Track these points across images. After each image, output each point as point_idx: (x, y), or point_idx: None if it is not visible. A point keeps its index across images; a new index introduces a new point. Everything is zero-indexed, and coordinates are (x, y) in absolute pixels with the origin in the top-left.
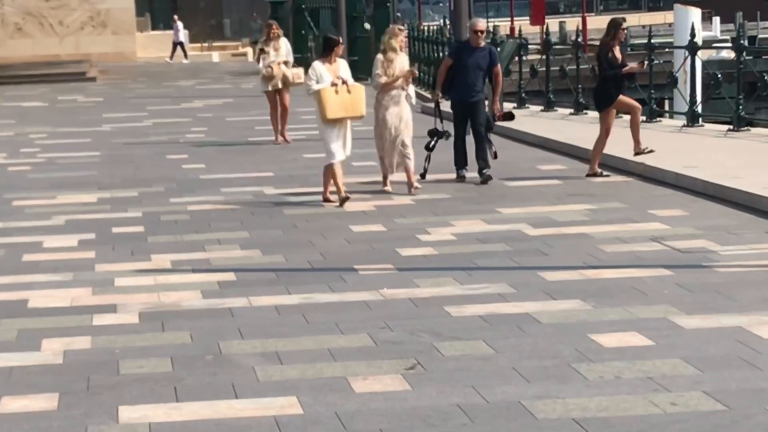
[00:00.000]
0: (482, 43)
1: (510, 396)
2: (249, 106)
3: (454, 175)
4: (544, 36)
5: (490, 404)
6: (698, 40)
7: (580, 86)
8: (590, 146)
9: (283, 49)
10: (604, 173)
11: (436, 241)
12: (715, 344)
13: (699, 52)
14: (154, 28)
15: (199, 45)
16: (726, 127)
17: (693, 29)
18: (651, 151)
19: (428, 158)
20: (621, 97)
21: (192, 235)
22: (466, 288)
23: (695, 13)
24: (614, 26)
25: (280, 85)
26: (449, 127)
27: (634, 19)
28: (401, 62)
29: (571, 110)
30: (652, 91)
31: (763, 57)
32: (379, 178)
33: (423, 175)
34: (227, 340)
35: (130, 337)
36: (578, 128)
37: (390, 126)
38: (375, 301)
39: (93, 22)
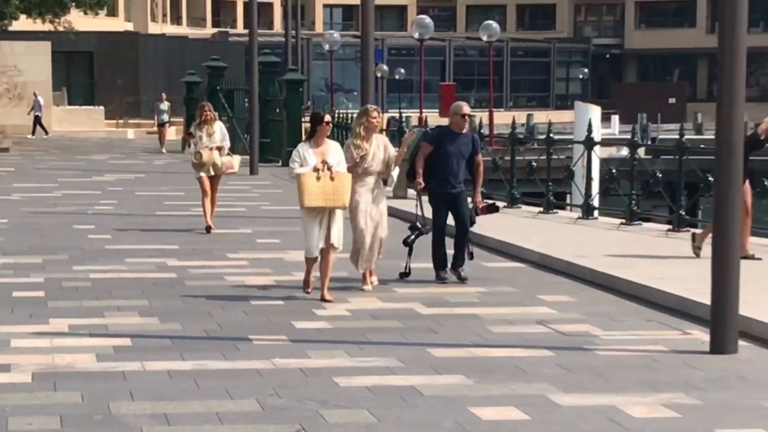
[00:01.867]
0: (466, 129)
1: None
2: (159, 182)
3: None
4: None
5: None
6: (595, 136)
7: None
8: (500, 236)
9: (217, 133)
10: (756, 255)
11: (331, 315)
12: (588, 421)
13: (598, 149)
14: (71, 103)
15: (114, 121)
16: (619, 220)
17: (590, 126)
18: (758, 259)
19: (410, 253)
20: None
21: (92, 302)
22: (356, 360)
23: (595, 111)
24: None
25: (212, 172)
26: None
27: (542, 116)
28: (379, 144)
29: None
30: (550, 184)
31: (662, 156)
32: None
33: (406, 274)
34: (118, 401)
35: (22, 395)
36: (495, 217)
37: (367, 217)
38: (266, 370)
39: (9, 95)
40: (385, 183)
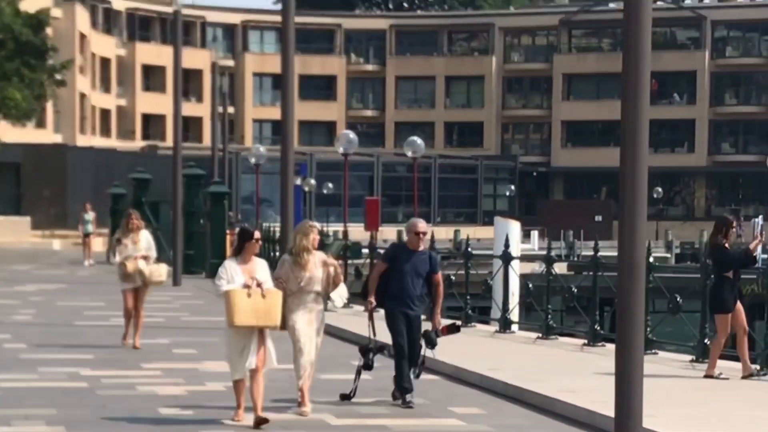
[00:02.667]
0: (422, 247)
1: None
2: (81, 292)
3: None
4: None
5: None
6: (513, 251)
7: None
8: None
9: (142, 242)
10: (722, 376)
11: (239, 425)
12: None
13: (517, 264)
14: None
15: (40, 232)
16: (536, 335)
17: (507, 241)
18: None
19: (358, 375)
20: (739, 307)
21: (0, 410)
22: None
23: (514, 227)
24: (724, 224)
25: (138, 283)
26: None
27: (469, 231)
28: (316, 263)
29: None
30: (468, 297)
31: (584, 273)
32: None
33: (348, 396)
34: None
35: None
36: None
37: (303, 337)
38: None
39: None
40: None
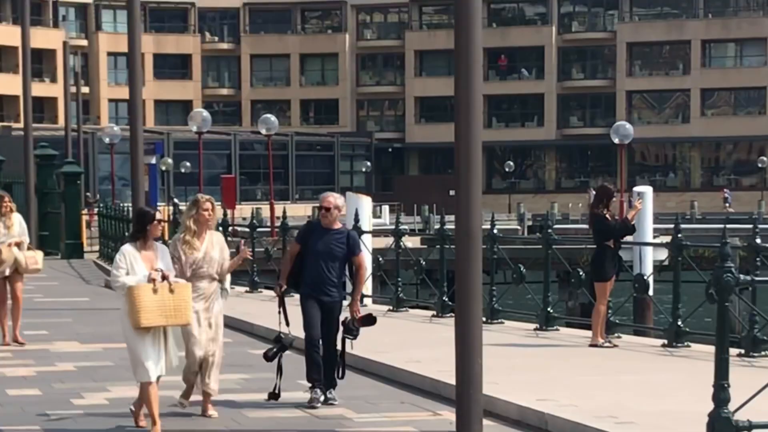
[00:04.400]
0: (338, 225)
1: None
2: None
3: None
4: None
5: None
6: (363, 225)
7: (255, 266)
8: (256, 321)
9: (16, 227)
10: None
11: (88, 404)
12: None
13: (369, 238)
14: None
15: None
16: (387, 308)
17: (357, 215)
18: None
19: (279, 372)
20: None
21: None
22: None
23: (365, 202)
24: (605, 194)
25: (8, 272)
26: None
27: None
28: (213, 243)
29: (247, 288)
30: None
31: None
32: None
33: (275, 395)
34: None
35: None
36: (248, 304)
37: (201, 331)
38: None
39: None
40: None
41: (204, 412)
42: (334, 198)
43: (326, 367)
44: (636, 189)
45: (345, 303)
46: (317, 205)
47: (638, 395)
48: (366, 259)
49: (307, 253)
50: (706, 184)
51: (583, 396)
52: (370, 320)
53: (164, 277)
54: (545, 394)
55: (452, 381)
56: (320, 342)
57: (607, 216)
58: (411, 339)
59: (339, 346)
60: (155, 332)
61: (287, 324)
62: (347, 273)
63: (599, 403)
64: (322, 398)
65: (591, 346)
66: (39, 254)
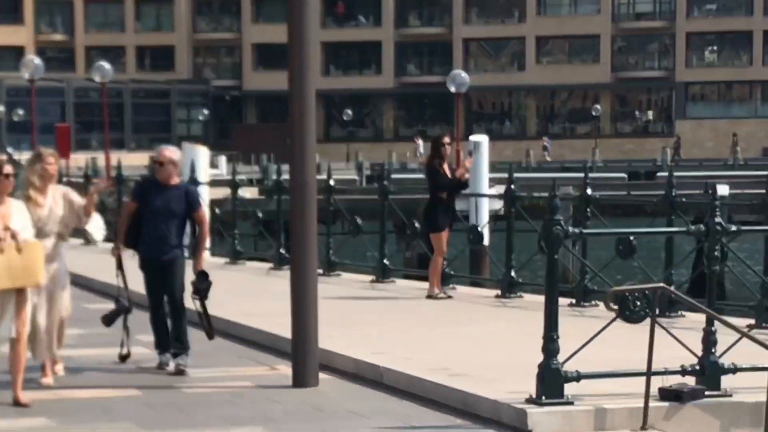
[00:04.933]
0: (175, 180)
1: None
2: None
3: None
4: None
5: None
6: (200, 177)
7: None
8: (93, 275)
9: None
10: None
11: None
12: None
13: (206, 190)
14: None
15: None
16: (224, 260)
17: (193, 166)
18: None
19: (126, 332)
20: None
21: None
22: None
23: (201, 152)
24: (438, 144)
25: None
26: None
27: None
28: (56, 198)
29: (82, 240)
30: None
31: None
32: None
33: (124, 357)
34: None
35: None
36: (85, 257)
37: (42, 292)
38: None
39: None
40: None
41: (43, 375)
42: (169, 152)
43: (176, 330)
44: (472, 138)
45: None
46: (152, 154)
47: (472, 347)
48: (206, 214)
49: (145, 211)
50: (542, 133)
51: (418, 349)
52: (204, 276)
53: (13, 236)
54: (381, 347)
55: (289, 335)
56: (163, 305)
57: (443, 168)
58: (249, 292)
59: (197, 308)
60: (4, 298)
61: (125, 287)
62: (187, 230)
63: (433, 356)
64: (171, 364)
65: (427, 297)
66: None
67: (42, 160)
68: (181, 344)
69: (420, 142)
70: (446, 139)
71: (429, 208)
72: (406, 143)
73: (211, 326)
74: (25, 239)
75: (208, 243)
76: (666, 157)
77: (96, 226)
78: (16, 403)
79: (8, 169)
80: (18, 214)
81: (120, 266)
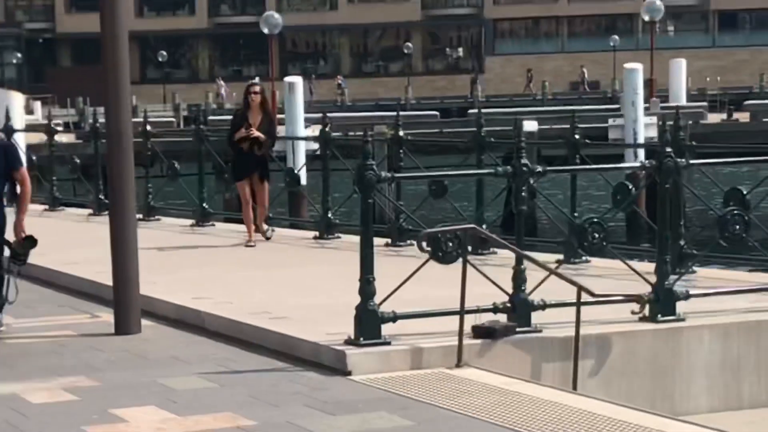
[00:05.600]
0: None
1: None
2: None
3: None
4: None
5: None
6: (15, 123)
7: None
8: None
9: None
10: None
11: None
12: None
13: (23, 137)
14: None
15: None
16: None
17: (8, 113)
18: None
19: None
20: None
21: None
22: None
23: (16, 98)
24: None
25: None
26: None
27: None
28: None
29: None
30: None
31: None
32: None
33: None
34: None
35: None
36: None
37: None
38: None
39: None
40: None
41: None
42: None
43: None
44: (287, 79)
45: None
46: None
47: (292, 290)
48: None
49: None
50: (356, 71)
51: (239, 293)
52: (33, 242)
53: None
54: (202, 292)
55: (110, 282)
56: None
57: (249, 116)
58: (69, 239)
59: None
60: None
61: None
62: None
63: (254, 300)
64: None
65: (246, 246)
66: None
67: None
68: None
69: (222, 83)
70: (255, 88)
71: (232, 158)
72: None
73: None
74: None
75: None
76: (478, 93)
77: None
78: None
79: None
80: None
81: None
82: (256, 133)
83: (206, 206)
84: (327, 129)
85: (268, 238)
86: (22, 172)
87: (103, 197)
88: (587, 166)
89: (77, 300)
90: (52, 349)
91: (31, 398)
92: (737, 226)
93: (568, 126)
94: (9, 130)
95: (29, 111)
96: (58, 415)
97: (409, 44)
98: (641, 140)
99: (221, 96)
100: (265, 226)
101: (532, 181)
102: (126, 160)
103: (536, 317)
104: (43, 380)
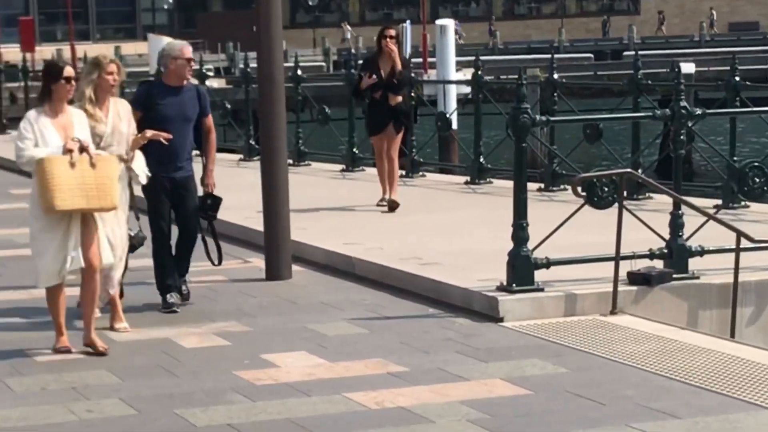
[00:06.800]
0: (189, 79)
1: None
2: None
3: None
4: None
5: None
6: None
7: None
8: None
9: None
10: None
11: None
12: (143, 354)
13: None
14: None
15: None
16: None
17: None
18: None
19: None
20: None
21: None
22: None
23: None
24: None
25: None
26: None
27: (130, 48)
28: (120, 113)
29: None
30: None
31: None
32: None
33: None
34: None
35: None
36: None
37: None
38: None
39: None
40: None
41: (114, 320)
42: (190, 48)
43: (182, 255)
44: (439, 22)
45: None
46: (119, 45)
47: (442, 235)
48: None
49: (153, 120)
50: (508, 13)
51: (388, 238)
52: (216, 202)
53: (83, 149)
54: (352, 237)
55: (261, 228)
56: (170, 239)
57: (381, 63)
58: (219, 185)
59: (205, 233)
60: (69, 221)
61: (137, 218)
62: None
63: (404, 245)
64: (179, 300)
65: (379, 202)
66: None
67: (101, 69)
68: (186, 267)
69: (348, 27)
70: (389, 32)
71: (365, 110)
72: (374, 27)
73: (220, 250)
74: (98, 152)
75: None
76: (633, 35)
77: (140, 165)
78: (90, 346)
79: (69, 71)
80: (80, 124)
81: (131, 185)
82: (368, 82)
83: (356, 151)
84: (479, 72)
85: (392, 209)
86: (210, 120)
87: (253, 142)
88: (748, 109)
89: (228, 245)
90: (203, 295)
91: (184, 343)
92: None
93: (728, 68)
94: (203, 76)
95: None
96: (210, 360)
97: None
98: None
99: (347, 41)
100: (394, 195)
101: (690, 125)
102: (278, 106)
103: (693, 264)
104: (196, 325)
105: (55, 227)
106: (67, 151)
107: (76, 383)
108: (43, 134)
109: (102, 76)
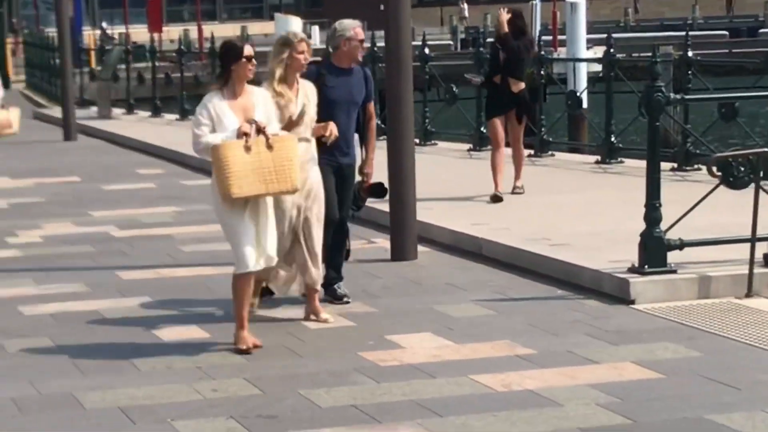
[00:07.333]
0: (360, 61)
1: (64, 388)
2: None
3: None
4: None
5: (42, 396)
6: None
7: (184, 93)
8: (188, 151)
9: None
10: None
11: (22, 243)
12: (269, 335)
13: None
14: None
15: None
16: None
17: None
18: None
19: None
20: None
21: None
22: (42, 288)
23: (294, 22)
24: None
25: None
26: None
27: (256, 27)
28: (308, 94)
29: (177, 116)
30: None
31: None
32: None
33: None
34: None
35: None
36: (180, 133)
37: (287, 210)
38: None
39: None
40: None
41: (314, 314)
42: (360, 27)
43: (334, 248)
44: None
45: None
46: (245, 24)
47: (571, 215)
48: None
49: (320, 103)
50: None
51: (516, 219)
52: (379, 190)
53: (260, 130)
54: (479, 218)
55: (386, 207)
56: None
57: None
58: None
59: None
60: (257, 207)
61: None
62: None
63: (533, 226)
64: (346, 292)
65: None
66: (15, 113)
67: (292, 47)
68: (337, 269)
69: (465, 5)
70: (502, 12)
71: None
72: (500, 5)
73: (349, 248)
74: (276, 133)
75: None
76: None
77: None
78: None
79: (248, 50)
80: (261, 104)
81: None
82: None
83: (484, 131)
84: (611, 50)
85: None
86: (372, 106)
87: (380, 122)
88: None
89: (352, 225)
90: None
91: (308, 323)
92: None
93: None
94: (375, 59)
95: (307, 36)
96: (334, 340)
97: None
98: None
99: (466, 20)
100: (519, 183)
101: None
102: (405, 85)
103: None
104: (320, 306)
105: (241, 215)
106: (242, 134)
107: (202, 363)
108: (220, 118)
109: (293, 56)
